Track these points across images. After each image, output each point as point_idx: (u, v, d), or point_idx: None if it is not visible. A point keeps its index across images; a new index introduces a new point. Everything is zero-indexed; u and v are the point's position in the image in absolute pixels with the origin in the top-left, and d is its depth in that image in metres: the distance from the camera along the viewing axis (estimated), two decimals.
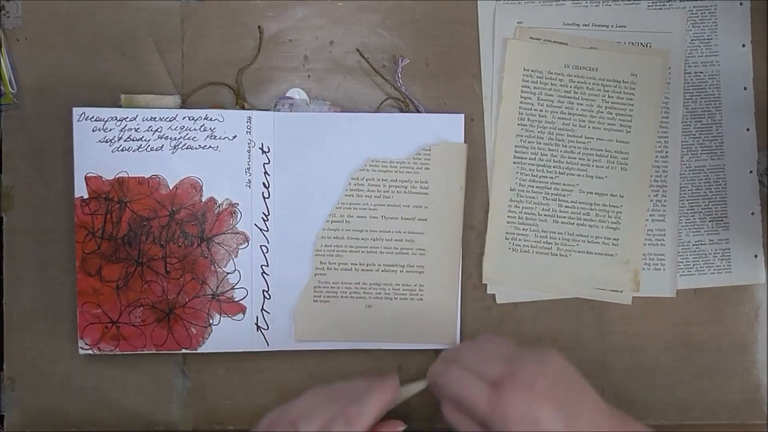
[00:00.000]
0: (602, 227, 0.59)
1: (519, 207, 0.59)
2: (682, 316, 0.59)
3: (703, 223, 0.59)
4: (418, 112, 0.58)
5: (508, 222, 0.59)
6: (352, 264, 0.57)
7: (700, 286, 0.59)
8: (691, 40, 0.59)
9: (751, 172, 0.59)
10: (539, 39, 0.58)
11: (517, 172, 0.59)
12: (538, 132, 0.58)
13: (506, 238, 0.59)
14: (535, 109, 0.58)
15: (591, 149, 0.58)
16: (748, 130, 0.59)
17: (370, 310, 0.57)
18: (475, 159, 0.58)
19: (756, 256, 0.59)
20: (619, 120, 0.58)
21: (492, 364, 0.48)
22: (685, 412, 0.59)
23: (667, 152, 0.59)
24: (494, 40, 0.59)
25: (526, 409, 0.45)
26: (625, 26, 0.58)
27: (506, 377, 0.46)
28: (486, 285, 0.59)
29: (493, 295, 0.59)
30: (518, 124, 0.58)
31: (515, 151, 0.59)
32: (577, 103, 0.58)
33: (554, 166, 0.58)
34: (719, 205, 0.59)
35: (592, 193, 0.58)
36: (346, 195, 0.57)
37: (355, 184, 0.57)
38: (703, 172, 0.59)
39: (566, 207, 0.59)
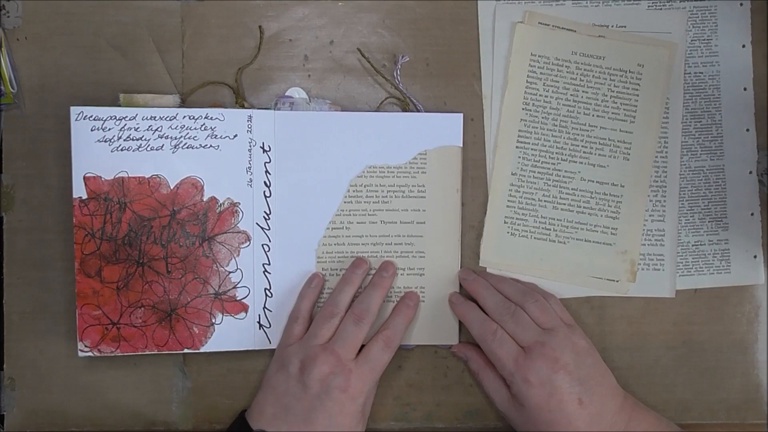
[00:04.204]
0: (602, 216, 0.59)
1: (519, 192, 0.59)
2: (682, 316, 0.59)
3: (702, 223, 0.59)
4: (418, 111, 0.58)
5: (507, 206, 0.59)
6: None
7: (699, 287, 0.59)
8: (691, 40, 0.59)
9: (750, 172, 0.60)
10: (548, 25, 0.58)
11: (519, 157, 0.58)
12: (542, 118, 0.58)
13: (505, 222, 0.59)
14: (540, 95, 0.58)
15: (594, 137, 0.58)
16: (747, 130, 0.60)
17: None
18: (475, 159, 0.58)
19: (755, 256, 0.60)
20: (624, 109, 0.58)
21: (528, 331, 0.52)
22: (685, 412, 0.59)
23: (666, 152, 0.59)
24: (494, 40, 0.59)
25: (547, 377, 0.50)
26: (625, 26, 0.59)
27: (537, 345, 0.51)
28: None
29: None
30: (523, 109, 0.58)
31: (518, 136, 0.58)
32: (583, 91, 0.58)
33: (557, 153, 0.58)
34: (719, 206, 0.59)
35: (593, 181, 0.58)
36: (345, 202, 0.57)
37: (353, 191, 0.57)
38: (702, 172, 0.60)
39: (567, 194, 0.59)
